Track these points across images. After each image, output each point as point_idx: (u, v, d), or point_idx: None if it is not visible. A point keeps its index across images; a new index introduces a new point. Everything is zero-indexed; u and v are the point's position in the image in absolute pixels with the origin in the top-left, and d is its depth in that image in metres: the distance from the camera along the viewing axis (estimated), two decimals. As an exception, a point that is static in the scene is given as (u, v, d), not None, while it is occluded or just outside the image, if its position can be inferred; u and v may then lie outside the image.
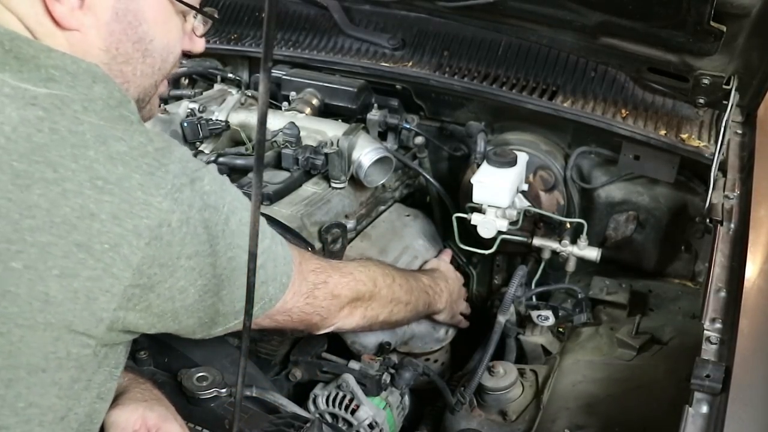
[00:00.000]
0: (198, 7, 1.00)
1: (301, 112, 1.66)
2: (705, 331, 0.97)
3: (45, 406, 0.82)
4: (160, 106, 1.67)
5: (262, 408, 1.19)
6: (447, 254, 1.66)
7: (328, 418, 1.32)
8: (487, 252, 1.67)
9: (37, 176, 0.76)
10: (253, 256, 0.74)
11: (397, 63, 1.78)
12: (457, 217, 1.64)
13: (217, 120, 1.60)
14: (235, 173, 1.48)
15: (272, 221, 1.32)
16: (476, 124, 1.73)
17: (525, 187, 1.64)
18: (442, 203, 1.78)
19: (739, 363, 0.88)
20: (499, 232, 1.59)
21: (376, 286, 1.23)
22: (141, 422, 1.03)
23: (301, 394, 1.36)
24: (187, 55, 1.08)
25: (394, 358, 1.44)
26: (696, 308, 1.46)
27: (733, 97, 1.44)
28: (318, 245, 1.36)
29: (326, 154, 1.48)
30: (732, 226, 1.18)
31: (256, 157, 0.69)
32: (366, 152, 1.49)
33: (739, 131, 1.47)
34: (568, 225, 1.66)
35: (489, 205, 1.55)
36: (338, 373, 1.32)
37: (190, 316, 0.90)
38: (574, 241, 1.63)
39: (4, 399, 0.79)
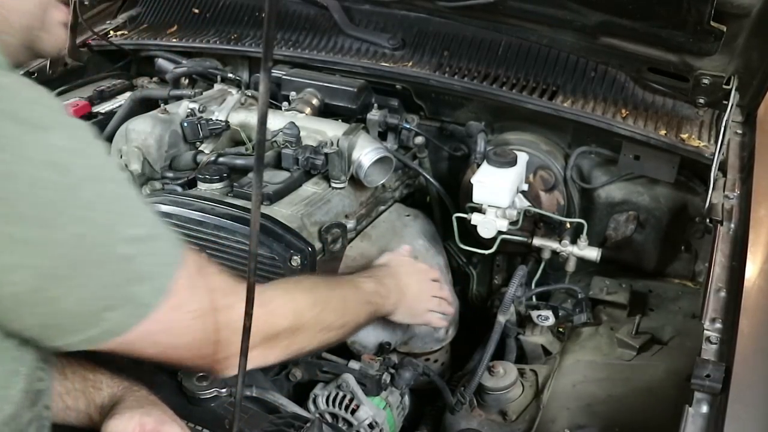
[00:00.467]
0: None
1: (301, 112, 1.66)
2: (705, 331, 0.97)
3: None
4: (159, 105, 1.68)
5: (262, 408, 1.19)
6: (405, 249, 1.49)
7: (328, 418, 1.32)
8: (487, 252, 1.67)
9: None
10: (253, 256, 0.74)
11: (397, 63, 1.78)
12: (457, 217, 1.64)
13: (217, 120, 1.60)
14: (235, 173, 1.48)
15: (272, 221, 1.32)
16: (476, 124, 1.73)
17: (525, 187, 1.64)
18: (442, 203, 1.78)
19: (739, 363, 0.88)
20: (499, 232, 1.59)
21: (300, 318, 1.03)
22: (139, 429, 0.98)
23: (301, 394, 1.36)
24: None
25: (394, 358, 1.44)
26: (696, 308, 1.46)
27: (733, 97, 1.44)
28: (318, 245, 1.35)
29: (326, 154, 1.48)
30: (732, 226, 1.17)
31: (256, 157, 0.69)
32: (366, 152, 1.49)
33: (739, 131, 1.47)
34: (568, 225, 1.66)
35: (489, 205, 1.55)
36: (338, 373, 1.32)
37: (30, 313, 0.72)
38: (574, 241, 1.63)
39: None
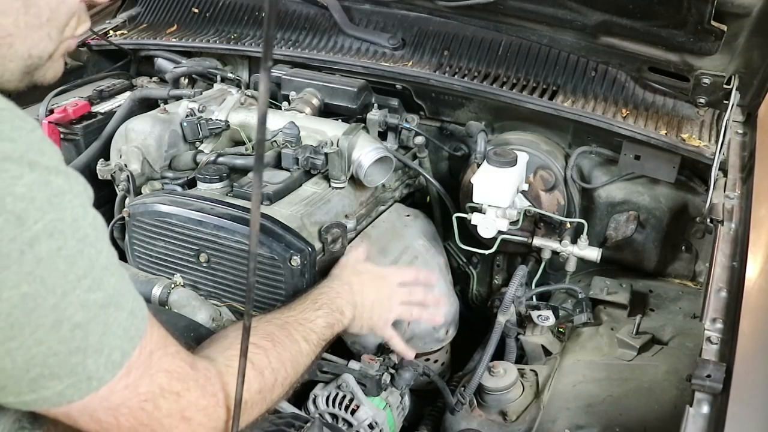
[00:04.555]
0: None
1: (301, 111, 1.66)
2: (706, 331, 0.97)
3: None
4: (159, 105, 1.68)
5: (261, 408, 1.18)
6: (361, 252, 1.38)
7: (328, 418, 1.32)
8: (487, 252, 1.67)
9: None
10: (253, 256, 0.73)
11: (397, 63, 1.78)
12: (457, 217, 1.64)
13: (216, 120, 1.60)
14: (234, 173, 1.48)
15: (272, 221, 1.32)
16: (476, 123, 1.74)
17: (525, 186, 1.64)
18: (442, 203, 1.78)
19: (739, 363, 0.88)
20: (500, 232, 1.59)
21: (249, 398, 0.92)
22: None
23: (301, 394, 1.36)
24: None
25: (394, 358, 1.43)
26: (697, 308, 1.46)
27: (734, 97, 1.44)
28: (318, 245, 1.35)
29: (326, 154, 1.47)
30: (733, 226, 1.17)
31: (256, 157, 0.68)
32: (366, 152, 1.49)
33: (740, 131, 1.47)
34: (569, 225, 1.65)
35: (489, 205, 1.55)
36: (338, 374, 1.32)
37: None
38: (574, 241, 1.62)
39: None
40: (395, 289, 1.34)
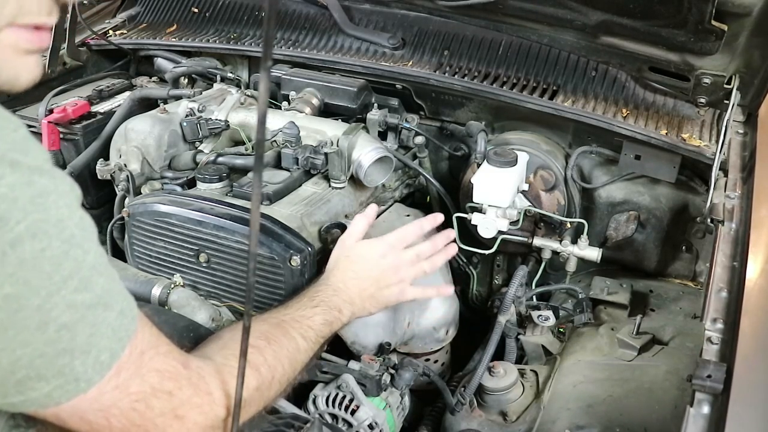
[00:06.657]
0: None
1: (301, 111, 1.66)
2: (706, 331, 0.96)
3: None
4: (158, 105, 1.68)
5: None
6: (356, 228, 1.32)
7: (328, 418, 1.31)
8: (487, 252, 1.66)
9: None
10: (253, 256, 0.73)
11: (397, 62, 1.78)
12: (458, 217, 1.64)
13: (216, 119, 1.60)
14: (234, 173, 1.48)
15: (272, 221, 1.32)
16: (477, 123, 1.73)
17: (525, 186, 1.64)
18: (442, 203, 1.78)
19: (740, 363, 0.88)
20: (500, 232, 1.59)
21: (248, 395, 0.91)
22: None
23: (301, 394, 1.36)
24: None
25: (394, 358, 1.43)
26: (697, 308, 1.45)
27: (735, 97, 1.44)
28: (318, 245, 1.35)
29: (326, 154, 1.47)
30: (733, 226, 1.17)
31: (256, 156, 0.68)
32: (366, 152, 1.49)
33: (741, 131, 1.47)
34: (569, 225, 1.65)
35: (489, 205, 1.55)
36: (338, 374, 1.32)
37: None
38: (574, 241, 1.62)
39: None
40: (400, 259, 1.29)
